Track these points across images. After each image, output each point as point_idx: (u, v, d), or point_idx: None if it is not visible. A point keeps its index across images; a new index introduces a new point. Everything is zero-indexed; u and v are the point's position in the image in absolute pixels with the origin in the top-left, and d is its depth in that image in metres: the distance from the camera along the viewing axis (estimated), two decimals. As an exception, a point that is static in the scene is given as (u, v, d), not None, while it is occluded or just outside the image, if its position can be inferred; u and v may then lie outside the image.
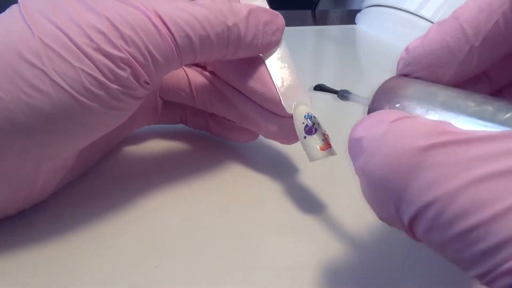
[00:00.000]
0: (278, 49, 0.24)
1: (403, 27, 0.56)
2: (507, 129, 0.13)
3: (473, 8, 0.16)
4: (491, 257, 0.10)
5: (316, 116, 0.23)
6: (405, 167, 0.12)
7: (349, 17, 0.69)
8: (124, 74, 0.18)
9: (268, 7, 0.24)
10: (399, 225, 0.13)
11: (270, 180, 0.26)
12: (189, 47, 0.20)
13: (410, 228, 0.12)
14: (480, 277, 0.11)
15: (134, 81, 0.19)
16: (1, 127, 0.17)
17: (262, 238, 0.21)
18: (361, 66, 0.51)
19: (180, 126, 0.30)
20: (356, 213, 0.23)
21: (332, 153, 0.22)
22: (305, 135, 0.22)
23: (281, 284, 0.19)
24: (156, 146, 0.29)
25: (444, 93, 0.15)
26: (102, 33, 0.18)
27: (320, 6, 0.78)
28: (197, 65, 0.27)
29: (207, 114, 0.29)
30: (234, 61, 0.24)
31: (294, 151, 0.29)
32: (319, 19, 0.71)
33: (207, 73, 0.27)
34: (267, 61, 0.24)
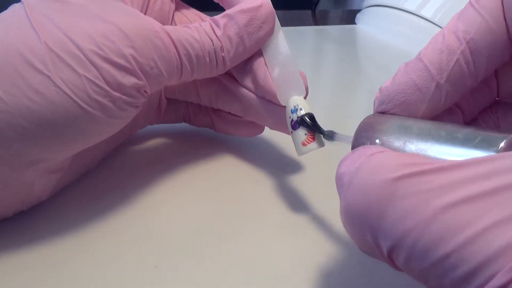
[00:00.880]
0: (274, 38, 0.23)
1: (403, 27, 0.56)
2: (479, 152, 0.14)
3: (434, 49, 0.17)
4: (470, 283, 0.10)
5: (303, 106, 0.22)
6: (378, 198, 0.12)
7: (349, 17, 0.69)
8: (128, 83, 0.19)
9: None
10: (380, 256, 0.13)
11: (271, 179, 0.26)
12: (189, 65, 0.21)
13: (390, 258, 0.13)
14: None
15: (136, 91, 0.19)
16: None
17: (263, 237, 0.21)
18: (361, 66, 0.51)
19: (182, 125, 0.30)
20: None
21: (313, 148, 0.21)
22: (291, 130, 0.22)
23: (281, 284, 0.19)
24: (156, 145, 0.29)
25: (418, 126, 0.16)
26: (111, 41, 0.18)
27: (320, 6, 0.78)
28: None
29: (211, 110, 0.29)
30: None
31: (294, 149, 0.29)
32: (319, 19, 0.71)
33: None
34: (264, 52, 0.24)
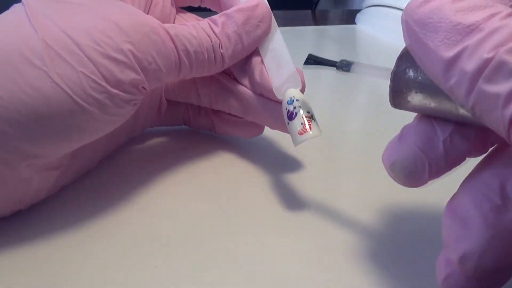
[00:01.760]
0: (271, 37, 0.24)
1: (403, 27, 0.56)
2: None
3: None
4: None
5: (299, 98, 0.22)
6: None
7: (349, 17, 0.69)
8: (126, 79, 0.19)
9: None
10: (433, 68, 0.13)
11: (271, 179, 0.26)
12: (187, 60, 0.21)
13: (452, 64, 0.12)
14: None
15: (134, 87, 0.19)
16: None
17: (263, 237, 0.21)
18: (361, 66, 0.51)
19: (181, 127, 0.30)
20: (356, 212, 0.23)
21: (309, 137, 0.21)
22: (288, 121, 0.22)
23: (281, 284, 0.19)
24: (156, 145, 0.29)
25: None
26: (109, 37, 0.18)
27: (320, 6, 0.78)
28: None
29: (211, 112, 0.29)
30: None
31: (295, 148, 0.29)
32: (319, 19, 0.71)
33: None
34: (261, 51, 0.24)
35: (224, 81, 0.26)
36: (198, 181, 0.25)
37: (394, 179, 0.17)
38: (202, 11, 0.28)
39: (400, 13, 0.56)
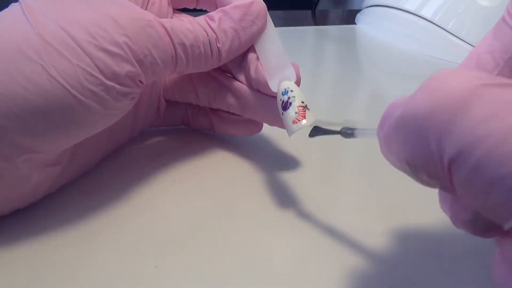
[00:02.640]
0: (266, 33, 0.24)
1: (403, 27, 0.56)
2: None
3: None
4: None
5: (293, 88, 0.22)
6: (457, 100, 0.11)
7: (349, 17, 0.69)
8: (122, 71, 0.19)
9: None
10: (433, 167, 0.12)
11: (270, 177, 0.26)
12: (183, 54, 0.21)
13: (449, 169, 0.12)
14: None
15: (130, 80, 0.19)
16: None
17: (263, 236, 0.21)
18: (361, 66, 0.51)
19: (181, 126, 0.30)
20: (356, 212, 0.23)
21: (302, 126, 0.21)
22: (282, 111, 0.22)
23: (280, 283, 0.19)
24: (155, 144, 0.29)
25: None
26: (104, 30, 0.18)
27: (320, 6, 0.78)
28: None
29: (210, 111, 0.29)
30: None
31: (294, 148, 0.29)
32: (319, 19, 0.71)
33: None
34: (257, 47, 0.24)
35: (221, 79, 0.26)
36: (198, 181, 0.25)
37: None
38: (198, 13, 0.28)
39: (400, 13, 0.56)
